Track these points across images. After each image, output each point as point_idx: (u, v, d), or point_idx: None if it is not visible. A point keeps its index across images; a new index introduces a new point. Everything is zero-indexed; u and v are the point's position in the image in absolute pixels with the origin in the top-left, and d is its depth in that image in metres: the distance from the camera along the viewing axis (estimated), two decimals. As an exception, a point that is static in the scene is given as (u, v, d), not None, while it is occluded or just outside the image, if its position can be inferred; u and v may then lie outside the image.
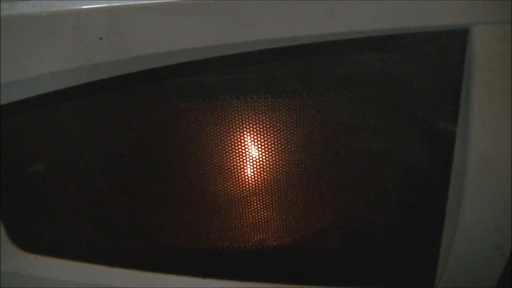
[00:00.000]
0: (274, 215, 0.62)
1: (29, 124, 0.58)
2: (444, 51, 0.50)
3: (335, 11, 0.47)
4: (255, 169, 0.59)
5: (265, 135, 0.57)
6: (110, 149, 0.59)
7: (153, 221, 0.63)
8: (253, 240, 0.63)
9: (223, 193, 0.61)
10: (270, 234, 0.63)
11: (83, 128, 0.58)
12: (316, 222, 0.62)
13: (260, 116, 0.56)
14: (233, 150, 0.58)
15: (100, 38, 0.49)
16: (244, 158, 0.58)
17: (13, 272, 0.62)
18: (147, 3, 0.49)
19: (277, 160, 0.58)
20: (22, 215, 0.63)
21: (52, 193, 0.62)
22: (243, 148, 0.58)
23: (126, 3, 0.49)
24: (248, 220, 0.62)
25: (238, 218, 0.62)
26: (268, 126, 0.56)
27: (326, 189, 0.59)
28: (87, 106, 0.57)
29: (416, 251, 0.61)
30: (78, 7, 0.49)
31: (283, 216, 0.62)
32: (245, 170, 0.59)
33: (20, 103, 0.54)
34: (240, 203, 0.61)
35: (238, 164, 0.59)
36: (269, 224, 0.62)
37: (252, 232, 0.63)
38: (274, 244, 0.63)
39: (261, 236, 0.63)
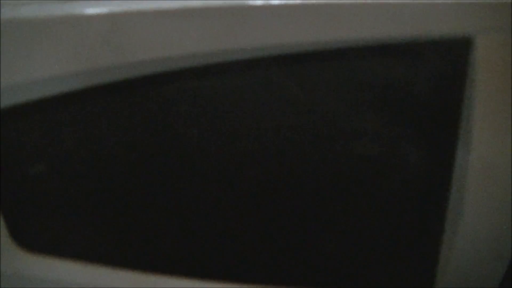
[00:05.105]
0: (273, 216, 0.62)
1: (32, 125, 0.59)
2: (448, 59, 0.49)
3: (335, 18, 0.47)
4: (253, 173, 0.59)
5: (264, 140, 0.57)
6: (113, 150, 0.60)
7: (156, 222, 0.64)
8: (250, 242, 0.64)
9: (226, 194, 0.61)
10: (269, 236, 0.63)
11: (85, 129, 0.58)
12: (314, 225, 0.62)
13: (259, 120, 0.56)
14: (232, 154, 0.58)
15: (101, 43, 0.49)
16: (242, 163, 0.58)
17: (14, 272, 0.63)
18: (148, 9, 0.48)
19: (275, 164, 0.58)
20: (25, 214, 0.64)
21: (54, 192, 0.63)
22: (241, 153, 0.58)
23: (128, 8, 0.49)
24: (248, 222, 0.62)
25: (239, 220, 0.62)
26: (267, 131, 0.56)
27: (327, 192, 0.59)
28: (88, 109, 0.57)
29: (415, 258, 0.61)
30: (79, 12, 0.50)
31: (282, 218, 0.62)
32: (244, 174, 0.59)
33: (22, 105, 0.55)
34: (240, 206, 0.61)
35: (237, 169, 0.59)
36: (269, 225, 0.63)
37: (250, 234, 0.63)
38: (274, 245, 0.64)
39: (260, 238, 0.63)
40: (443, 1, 0.45)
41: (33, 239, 0.64)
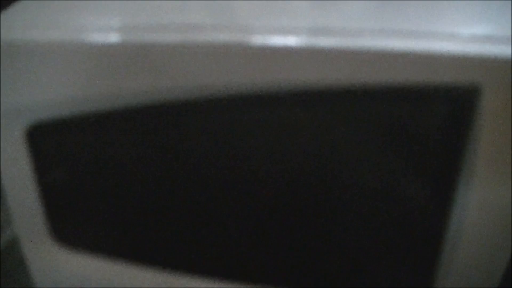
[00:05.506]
0: (277, 221, 0.65)
1: (68, 137, 0.63)
2: (456, 104, 0.50)
3: (351, 63, 0.49)
4: (262, 198, 0.62)
5: (274, 168, 0.60)
6: (139, 166, 0.64)
7: (185, 228, 0.67)
8: (253, 245, 0.67)
9: (238, 214, 0.64)
10: (271, 239, 0.66)
11: (117, 145, 0.63)
12: (316, 238, 0.65)
13: (269, 149, 0.59)
14: (244, 179, 0.61)
15: (128, 71, 0.54)
16: (254, 189, 0.62)
17: (51, 268, 0.68)
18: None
19: (284, 190, 0.61)
20: (64, 215, 0.69)
21: (90, 197, 0.68)
22: (252, 179, 0.61)
23: (155, 39, 0.53)
24: (254, 227, 0.66)
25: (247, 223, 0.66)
26: (277, 159, 0.59)
27: (330, 215, 0.62)
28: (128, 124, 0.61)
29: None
30: (105, 40, 0.54)
31: (285, 223, 0.65)
32: (254, 201, 0.63)
33: (64, 119, 0.60)
34: (249, 229, 0.65)
35: (249, 195, 0.62)
36: (272, 229, 0.65)
37: (253, 238, 0.67)
38: (278, 250, 0.67)
39: (263, 241, 0.67)
40: (455, 52, 0.47)
41: (71, 237, 0.69)
